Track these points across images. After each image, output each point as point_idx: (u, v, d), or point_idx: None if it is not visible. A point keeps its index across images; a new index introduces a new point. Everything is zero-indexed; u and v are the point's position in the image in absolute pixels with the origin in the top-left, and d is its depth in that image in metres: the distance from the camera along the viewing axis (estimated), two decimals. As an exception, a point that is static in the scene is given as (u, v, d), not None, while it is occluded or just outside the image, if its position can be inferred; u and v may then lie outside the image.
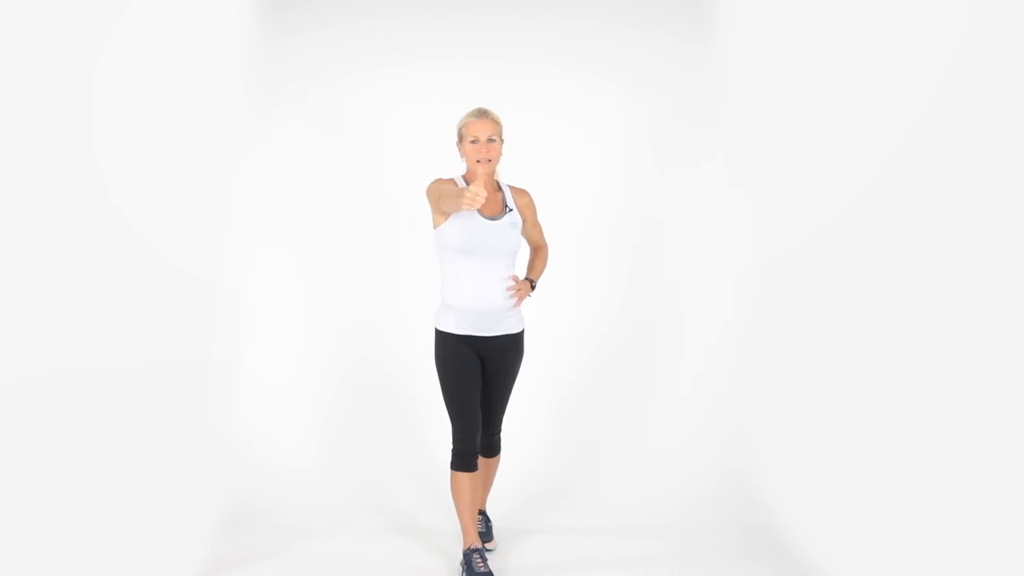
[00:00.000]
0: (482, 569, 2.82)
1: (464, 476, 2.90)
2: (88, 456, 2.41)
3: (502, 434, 3.13)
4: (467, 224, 2.84)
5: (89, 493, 2.42)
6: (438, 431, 3.36)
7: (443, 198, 2.74)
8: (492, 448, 3.10)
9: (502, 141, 2.92)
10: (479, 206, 2.54)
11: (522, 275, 3.07)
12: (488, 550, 3.08)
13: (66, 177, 2.37)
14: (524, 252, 3.10)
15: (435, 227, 2.89)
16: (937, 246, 2.35)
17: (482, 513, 3.22)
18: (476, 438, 2.92)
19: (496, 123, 2.89)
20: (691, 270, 4.04)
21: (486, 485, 3.19)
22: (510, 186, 3.02)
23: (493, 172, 2.93)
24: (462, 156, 2.92)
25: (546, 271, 3.15)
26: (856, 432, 2.78)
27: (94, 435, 2.45)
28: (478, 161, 2.85)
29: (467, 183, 2.92)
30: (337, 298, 4.01)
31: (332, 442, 3.83)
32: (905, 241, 2.51)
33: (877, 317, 2.66)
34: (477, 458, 2.94)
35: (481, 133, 2.85)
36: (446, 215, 2.84)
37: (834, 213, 2.96)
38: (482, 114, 2.89)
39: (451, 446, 2.93)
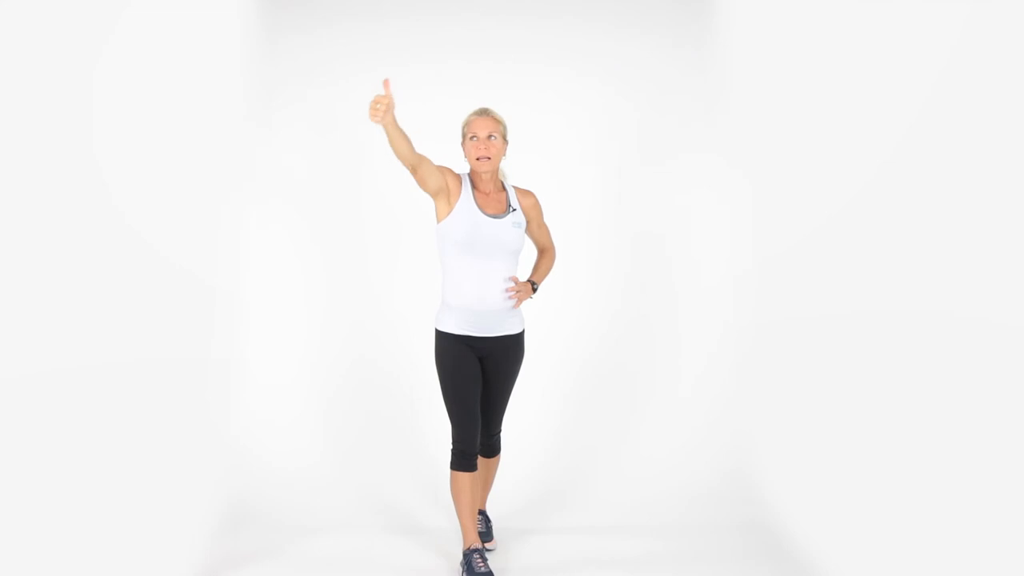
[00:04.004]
0: (482, 569, 2.82)
1: (464, 476, 2.90)
2: (88, 456, 2.41)
3: (503, 435, 3.13)
4: (469, 220, 2.84)
5: (89, 493, 2.41)
6: (438, 431, 3.36)
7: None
8: (492, 448, 3.11)
9: (505, 141, 2.93)
10: (381, 115, 2.53)
11: (526, 277, 3.08)
12: (488, 550, 3.08)
13: (66, 178, 2.37)
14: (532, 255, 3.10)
15: (438, 221, 2.89)
16: (937, 246, 2.35)
17: (482, 513, 3.22)
18: (476, 438, 2.92)
19: (497, 122, 2.89)
20: (691, 271, 4.04)
21: (486, 485, 3.19)
22: (515, 187, 3.02)
23: (495, 170, 2.93)
24: (466, 155, 2.93)
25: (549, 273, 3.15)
26: (856, 432, 2.78)
27: (94, 435, 2.45)
28: (477, 158, 2.86)
29: (472, 180, 2.93)
30: (337, 298, 4.01)
31: (332, 442, 3.83)
32: (905, 241, 2.51)
33: (877, 317, 2.66)
34: (477, 458, 2.94)
35: (480, 130, 2.86)
36: (449, 205, 2.85)
37: (834, 213, 2.95)
38: (483, 112, 2.91)
39: (451, 446, 2.93)
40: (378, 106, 2.54)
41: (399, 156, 2.72)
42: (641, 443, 3.88)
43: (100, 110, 2.54)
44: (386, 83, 2.58)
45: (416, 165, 2.75)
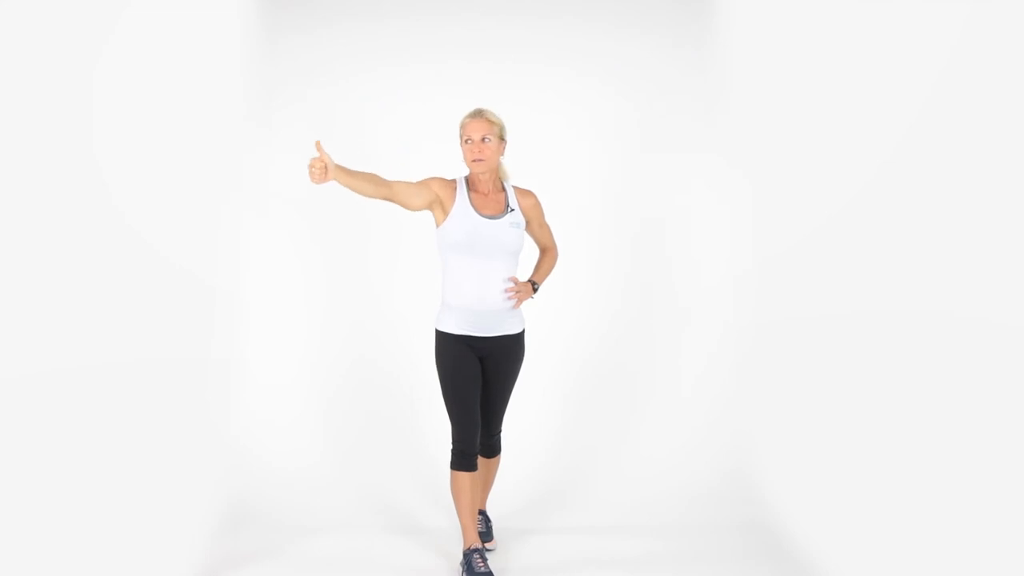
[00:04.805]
0: (482, 569, 2.82)
1: (464, 476, 2.90)
2: (88, 456, 2.41)
3: (503, 435, 3.13)
4: (466, 222, 2.85)
5: (89, 493, 2.41)
6: (438, 431, 3.36)
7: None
8: (492, 448, 3.10)
9: (503, 141, 2.92)
10: (319, 177, 2.53)
11: (526, 277, 3.08)
12: (488, 550, 3.08)
13: (66, 178, 2.37)
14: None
15: (437, 226, 2.90)
16: (937, 246, 2.35)
17: (482, 513, 3.22)
18: (476, 438, 2.92)
19: (491, 123, 2.88)
20: (691, 271, 4.04)
21: (486, 485, 3.19)
22: (515, 187, 3.02)
23: (493, 171, 2.93)
24: (463, 157, 2.93)
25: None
26: (856, 432, 2.78)
27: (94, 435, 2.45)
28: (472, 161, 2.86)
29: (469, 182, 2.93)
30: (337, 298, 4.01)
31: (332, 442, 3.83)
32: (905, 241, 2.51)
33: (877, 317, 2.66)
34: (477, 458, 2.94)
35: (474, 133, 2.86)
36: (444, 212, 2.86)
37: (834, 213, 2.95)
38: (477, 114, 2.90)
39: (451, 446, 2.93)
40: (314, 169, 2.53)
41: (368, 197, 2.74)
42: (641, 443, 3.88)
43: (100, 110, 2.54)
44: (318, 144, 2.57)
45: (389, 196, 2.77)
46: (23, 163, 2.22)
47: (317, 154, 2.55)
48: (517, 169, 3.11)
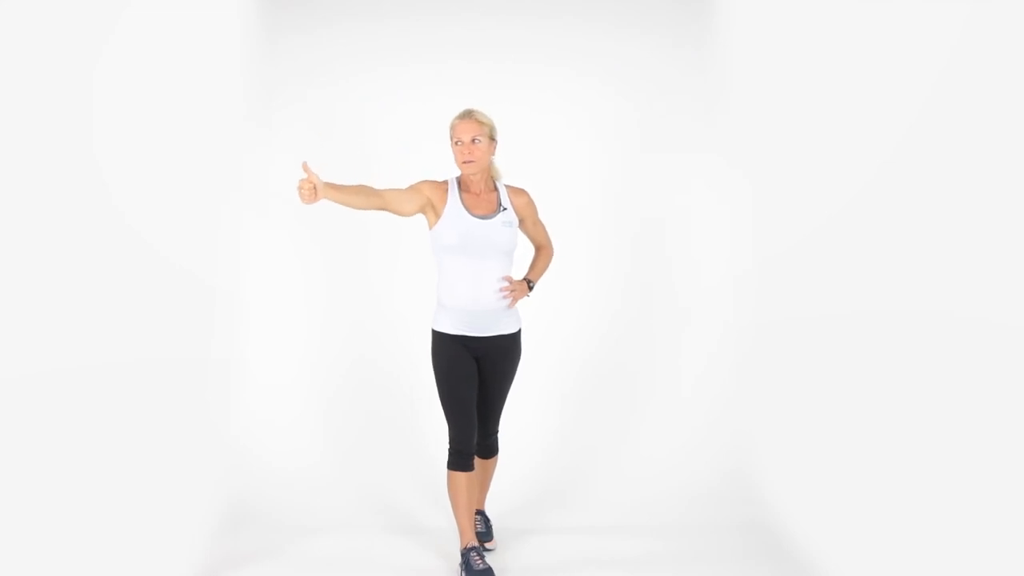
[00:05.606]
0: (481, 567, 2.82)
1: (461, 475, 2.90)
2: (88, 456, 2.42)
3: (500, 435, 3.12)
4: (458, 223, 2.84)
5: (89, 493, 2.42)
6: (438, 431, 3.36)
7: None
8: (490, 449, 3.10)
9: (494, 141, 2.91)
10: (307, 198, 2.51)
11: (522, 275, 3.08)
12: (488, 550, 3.08)
13: (66, 178, 2.37)
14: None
15: (429, 228, 2.90)
16: (937, 246, 2.35)
17: (481, 513, 3.22)
18: (472, 438, 2.92)
19: (480, 124, 2.87)
20: (691, 271, 4.04)
21: (484, 486, 3.19)
22: (508, 186, 3.02)
23: (484, 171, 2.92)
24: (454, 158, 2.92)
25: (547, 272, 3.15)
26: (856, 432, 2.78)
27: (94, 435, 2.45)
28: (463, 162, 2.86)
29: (461, 182, 2.93)
30: (337, 298, 4.01)
31: (332, 442, 3.83)
32: (905, 241, 2.51)
33: (877, 317, 2.66)
34: (474, 458, 2.94)
35: (464, 135, 2.86)
36: (437, 214, 2.86)
37: (834, 213, 2.95)
38: (466, 115, 2.88)
39: (448, 446, 2.93)
40: (303, 190, 2.52)
41: (361, 209, 2.74)
42: (641, 443, 3.88)
43: (100, 110, 2.54)
44: (304, 165, 2.54)
45: (382, 206, 2.77)
46: (23, 163, 2.22)
47: (305, 175, 2.52)
48: (517, 169, 3.10)
